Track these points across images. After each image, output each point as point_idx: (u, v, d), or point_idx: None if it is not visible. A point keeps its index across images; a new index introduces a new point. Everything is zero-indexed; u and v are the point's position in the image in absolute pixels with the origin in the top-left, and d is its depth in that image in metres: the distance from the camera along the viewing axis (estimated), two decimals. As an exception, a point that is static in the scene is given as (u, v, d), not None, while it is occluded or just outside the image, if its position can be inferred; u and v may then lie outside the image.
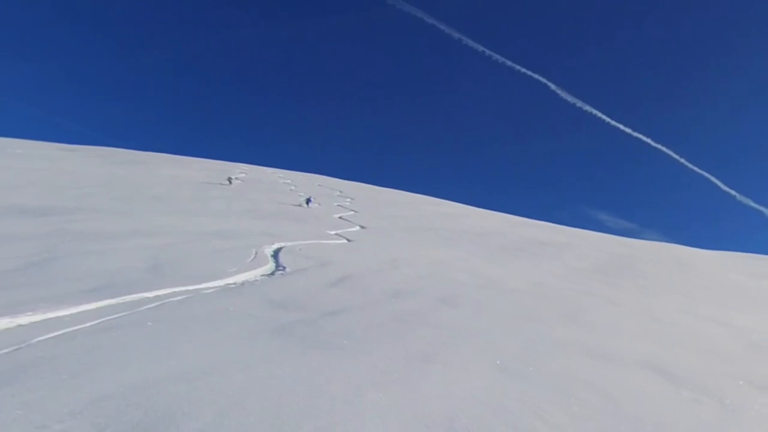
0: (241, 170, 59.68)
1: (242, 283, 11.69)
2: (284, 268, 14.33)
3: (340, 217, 33.51)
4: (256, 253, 15.69)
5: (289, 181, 56.58)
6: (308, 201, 37.39)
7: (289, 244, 19.03)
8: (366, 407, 5.20)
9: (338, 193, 51.75)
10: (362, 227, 29.54)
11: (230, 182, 44.30)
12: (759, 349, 10.18)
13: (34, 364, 5.58)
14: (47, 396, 4.78)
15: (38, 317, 7.41)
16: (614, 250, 31.68)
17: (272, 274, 13.52)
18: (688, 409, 6.47)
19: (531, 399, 6.11)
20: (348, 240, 23.64)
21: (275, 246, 17.98)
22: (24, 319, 7.24)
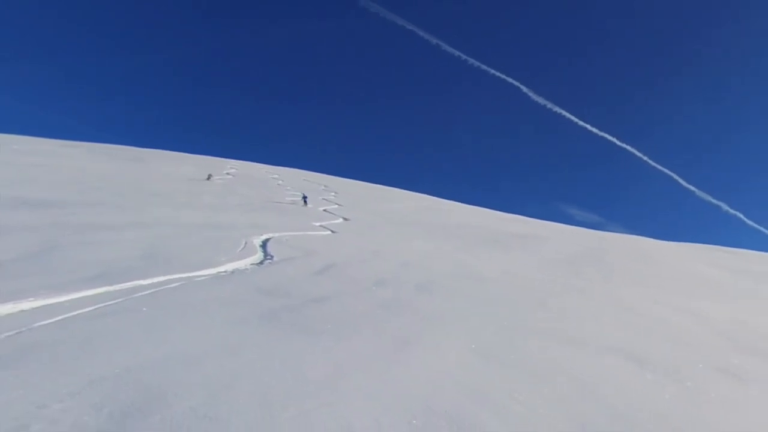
0: (231, 166, 59.21)
1: (232, 272, 11.63)
2: (272, 257, 14.27)
3: (325, 210, 33.41)
4: (246, 243, 15.61)
5: (276, 176, 56.27)
6: (305, 199, 34.89)
7: (277, 235, 18.94)
8: (348, 390, 5.20)
9: (323, 187, 51.55)
10: (346, 220, 29.46)
11: (209, 178, 42.20)
12: (720, 335, 10.21)
13: (35, 347, 5.55)
14: (47, 377, 4.75)
15: (39, 303, 7.35)
16: (584, 242, 31.67)
17: (261, 263, 13.46)
18: (652, 392, 6.49)
19: (505, 382, 6.12)
20: (333, 232, 23.56)
21: (263, 237, 17.90)
22: (26, 305, 7.19)
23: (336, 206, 36.60)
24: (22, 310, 7.02)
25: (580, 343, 8.47)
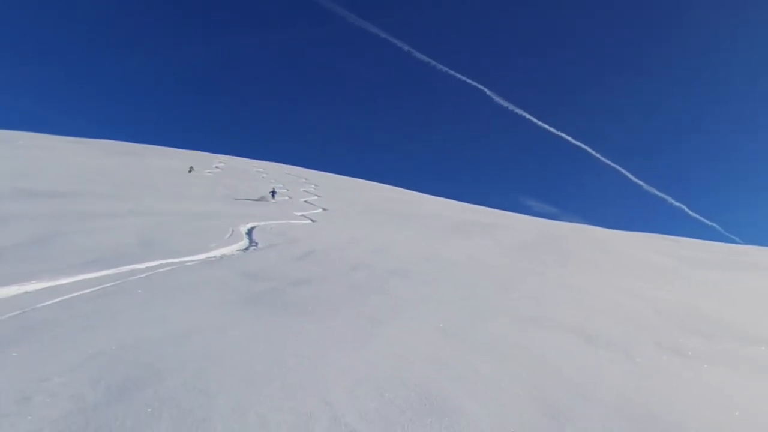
0: (220, 160, 58.58)
1: (221, 257, 11.53)
2: (257, 244, 14.19)
3: (305, 201, 33.27)
4: (233, 231, 15.49)
5: (261, 169, 55.81)
6: (273, 194, 32.16)
7: (261, 223, 18.84)
8: (327, 366, 5.18)
9: (304, 180, 51.29)
10: (325, 210, 29.36)
11: (190, 171, 41.68)
12: (666, 316, 10.20)
13: (38, 325, 5.46)
14: (49, 353, 4.67)
15: (42, 285, 7.24)
16: (542, 230, 31.47)
17: (246, 249, 13.37)
18: (604, 367, 6.49)
19: (471, 359, 6.09)
20: (312, 221, 23.49)
21: (249, 225, 17.80)
22: (30, 287, 7.09)
23: (316, 197, 36.46)
24: (27, 292, 6.91)
25: (539, 323, 8.44)
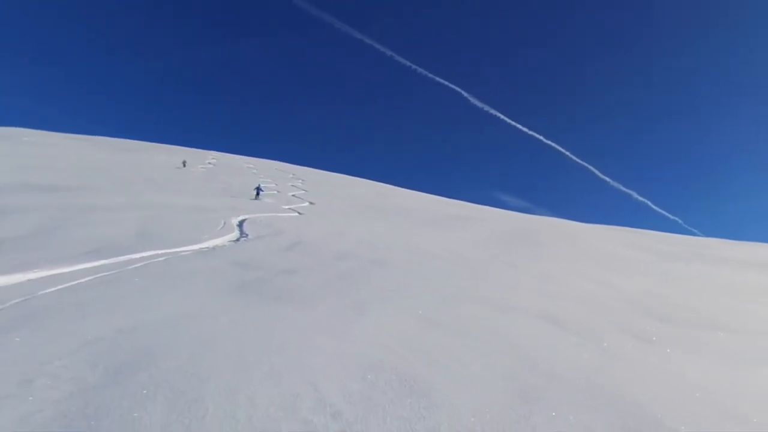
0: (213, 157, 58.00)
1: (213, 248, 11.43)
2: (247, 235, 14.09)
3: (293, 195, 33.09)
4: (225, 223, 15.37)
5: (251, 165, 55.32)
6: (258, 191, 29.32)
7: (251, 216, 18.70)
8: (312, 350, 5.17)
9: (292, 175, 50.97)
10: (312, 204, 29.19)
11: (184, 165, 41.94)
12: (632, 304, 10.19)
13: (39, 311, 5.41)
14: (50, 338, 4.63)
15: (44, 274, 7.18)
16: (515, 223, 31.15)
17: (237, 240, 13.26)
18: (574, 351, 6.49)
19: (447, 343, 6.09)
20: (300, 214, 23.34)
21: (240, 218, 17.66)
22: (32, 275, 7.04)
23: (303, 192, 36.26)
24: (29, 280, 6.85)
25: (512, 310, 8.43)
